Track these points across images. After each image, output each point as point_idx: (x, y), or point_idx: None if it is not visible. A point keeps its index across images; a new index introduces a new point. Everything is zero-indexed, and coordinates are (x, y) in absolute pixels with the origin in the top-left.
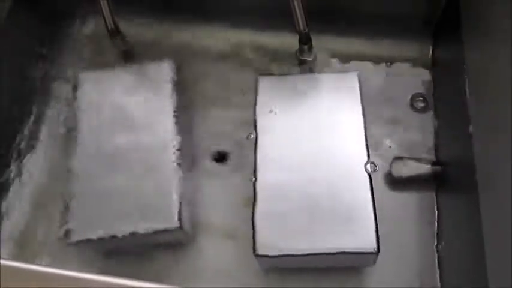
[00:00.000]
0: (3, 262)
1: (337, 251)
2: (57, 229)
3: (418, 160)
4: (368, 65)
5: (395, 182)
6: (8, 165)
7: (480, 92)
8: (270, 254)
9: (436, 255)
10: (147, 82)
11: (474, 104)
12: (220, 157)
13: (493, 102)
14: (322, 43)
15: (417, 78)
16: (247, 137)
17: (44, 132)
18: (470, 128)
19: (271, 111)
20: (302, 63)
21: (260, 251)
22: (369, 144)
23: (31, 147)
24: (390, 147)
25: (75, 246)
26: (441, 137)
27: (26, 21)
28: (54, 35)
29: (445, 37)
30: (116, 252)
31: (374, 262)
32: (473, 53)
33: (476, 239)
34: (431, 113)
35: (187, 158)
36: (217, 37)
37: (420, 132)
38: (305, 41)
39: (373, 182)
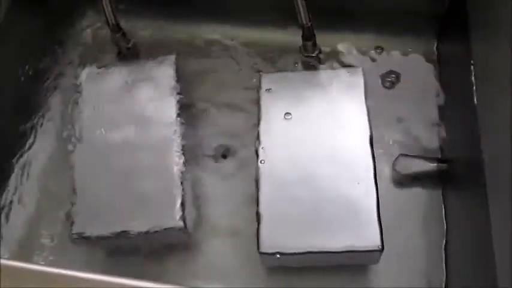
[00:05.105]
0: (3, 262)
1: (342, 249)
2: (58, 228)
3: (424, 157)
4: (372, 60)
5: (401, 180)
6: (10, 163)
7: (488, 86)
8: (274, 252)
9: (443, 253)
10: (149, 79)
11: (482, 99)
12: (224, 155)
13: (501, 97)
14: (326, 39)
15: (422, 74)
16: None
17: (45, 131)
18: (478, 123)
19: (274, 108)
20: (306, 59)
21: (264, 249)
22: (373, 141)
23: (33, 146)
24: (395, 144)
25: (76, 245)
26: (447, 134)
27: (25, 20)
28: (55, 33)
29: (450, 32)
30: (118, 251)
31: (378, 260)
32: (480, 48)
33: (484, 236)
34: (437, 109)
35: (190, 156)
36: (220, 34)
37: (426, 128)
38: (308, 36)
39: (377, 180)
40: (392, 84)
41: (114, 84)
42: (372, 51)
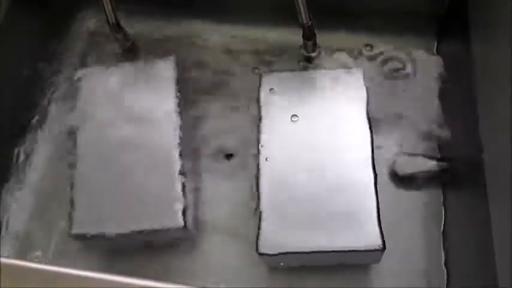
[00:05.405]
0: (3, 261)
1: (343, 248)
2: (58, 228)
3: (424, 157)
4: (373, 61)
5: (401, 179)
6: (10, 162)
7: (488, 86)
8: (272, 252)
9: (443, 253)
10: (149, 78)
11: (482, 99)
12: (224, 155)
13: (501, 97)
14: (326, 39)
15: (422, 74)
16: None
17: (46, 130)
18: (478, 123)
19: (275, 108)
20: (306, 59)
21: (263, 250)
22: (374, 141)
23: (33, 145)
24: (395, 143)
25: (77, 243)
26: (448, 133)
27: (25, 20)
28: (55, 33)
29: (450, 32)
30: (119, 251)
31: (380, 259)
32: (480, 48)
33: (484, 236)
34: (437, 109)
35: (191, 156)
36: (220, 33)
37: (426, 128)
38: (309, 35)
39: (378, 179)
40: (393, 84)
41: (114, 84)
42: (372, 51)
